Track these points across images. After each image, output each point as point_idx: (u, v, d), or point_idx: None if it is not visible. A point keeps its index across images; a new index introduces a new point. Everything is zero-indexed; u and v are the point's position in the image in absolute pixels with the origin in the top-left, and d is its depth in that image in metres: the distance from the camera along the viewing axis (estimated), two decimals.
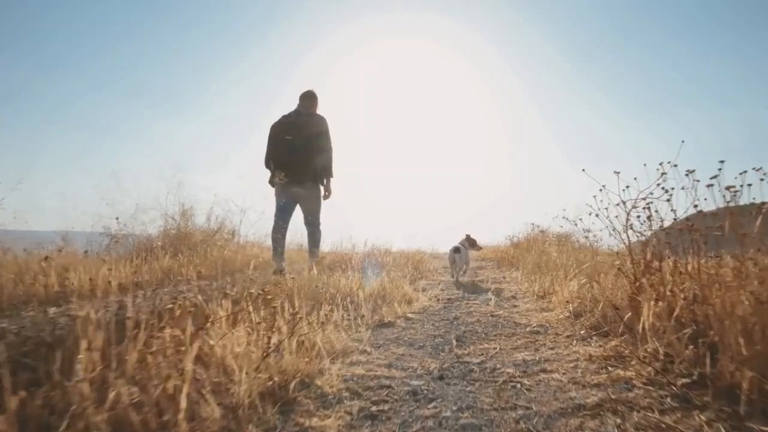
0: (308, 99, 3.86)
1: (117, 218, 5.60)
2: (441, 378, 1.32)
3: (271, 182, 3.86)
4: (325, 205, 3.99)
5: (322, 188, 3.89)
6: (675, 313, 1.35)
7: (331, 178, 3.83)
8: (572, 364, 1.42)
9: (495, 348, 1.68)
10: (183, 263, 4.51)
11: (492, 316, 2.35)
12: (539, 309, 2.46)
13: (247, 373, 1.13)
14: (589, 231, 5.85)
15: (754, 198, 1.36)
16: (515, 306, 2.64)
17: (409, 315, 2.39)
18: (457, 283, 3.98)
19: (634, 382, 1.21)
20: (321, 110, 3.94)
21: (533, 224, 7.01)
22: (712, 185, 1.45)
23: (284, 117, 3.86)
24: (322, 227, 4.05)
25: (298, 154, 3.67)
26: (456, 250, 4.14)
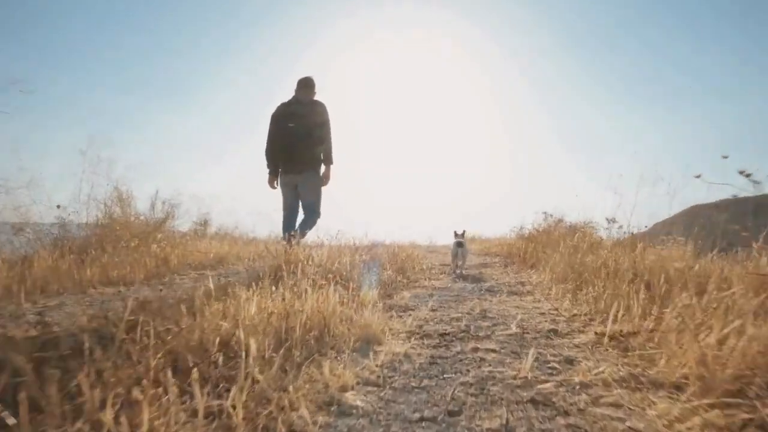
0: (306, 86, 3.60)
1: (58, 206, 4.39)
2: None
3: (271, 184, 3.60)
4: (324, 200, 3.64)
5: (321, 174, 3.57)
6: None
7: (331, 165, 3.56)
8: None
9: None
10: (85, 264, 3.19)
11: (536, 403, 0.99)
12: (636, 384, 1.10)
13: None
14: (613, 220, 4.55)
15: None
16: (572, 364, 1.28)
17: (349, 400, 1.04)
18: (457, 295, 2.62)
19: None
20: (319, 98, 3.64)
21: (545, 213, 5.67)
22: None
23: (283, 105, 3.58)
24: (320, 219, 3.61)
25: (298, 143, 3.43)
26: (459, 244, 3.89)
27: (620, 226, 4.62)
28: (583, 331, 1.62)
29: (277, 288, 1.88)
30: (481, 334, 1.62)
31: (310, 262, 2.68)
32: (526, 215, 9.85)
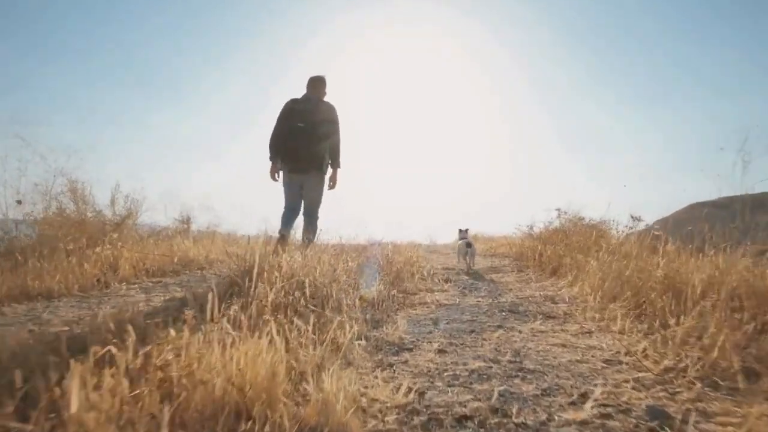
0: (318, 84, 3.39)
1: (19, 201, 3.75)
2: None
3: (272, 175, 3.31)
4: (326, 199, 3.42)
5: (326, 178, 3.35)
6: None
7: (339, 169, 3.34)
8: None
9: None
10: None
11: None
12: None
13: None
14: (639, 219, 4.01)
15: None
16: None
17: None
18: (471, 320, 1.89)
19: None
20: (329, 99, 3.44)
21: (558, 210, 4.95)
22: None
23: (293, 102, 3.33)
24: (320, 222, 3.38)
25: (305, 141, 3.21)
26: (468, 244, 3.92)
27: (647, 225, 4.03)
28: (712, 417, 0.89)
29: (216, 317, 1.17)
30: (528, 419, 0.89)
31: (277, 273, 1.96)
32: (536, 212, 9.08)
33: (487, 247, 6.77)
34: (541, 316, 1.88)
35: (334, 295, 1.90)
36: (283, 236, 3.13)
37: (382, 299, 2.09)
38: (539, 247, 4.14)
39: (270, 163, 3.28)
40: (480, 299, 2.37)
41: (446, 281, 3.19)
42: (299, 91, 3.42)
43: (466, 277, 3.49)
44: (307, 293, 1.87)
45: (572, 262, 2.87)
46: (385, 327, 1.66)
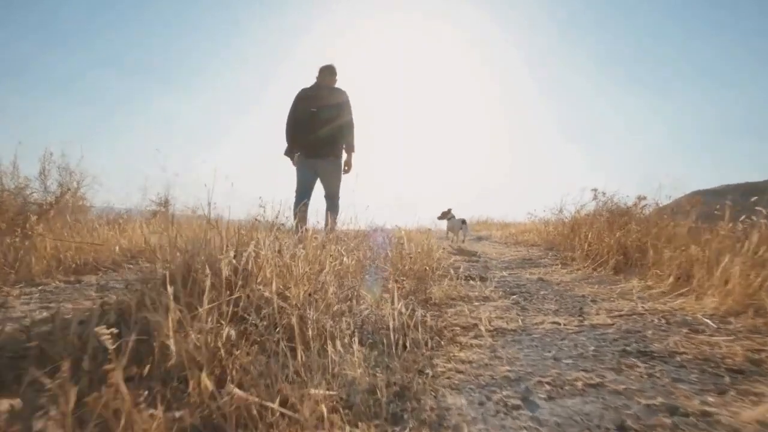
0: (328, 72, 3.28)
1: None
2: None
3: (288, 154, 3.21)
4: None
5: (342, 162, 3.24)
6: None
7: (353, 153, 3.20)
8: None
9: None
10: None
11: None
12: None
13: None
14: None
15: None
16: None
17: None
18: (599, 400, 0.94)
19: None
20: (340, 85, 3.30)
21: (595, 190, 4.01)
22: None
23: (305, 90, 3.26)
24: (341, 201, 3.21)
25: (320, 127, 3.12)
26: (463, 221, 4.36)
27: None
28: None
29: None
30: None
31: (213, 279, 0.99)
32: (550, 198, 8.10)
33: (506, 234, 5.81)
34: (719, 371, 0.92)
35: (311, 324, 0.95)
36: (299, 219, 2.75)
37: (402, 326, 1.13)
38: (588, 235, 3.18)
39: (287, 154, 3.18)
40: (557, 319, 1.42)
41: (481, 279, 2.24)
42: (305, 77, 3.09)
43: (504, 273, 2.53)
44: (298, 301, 0.93)
45: (673, 258, 1.90)
46: (419, 423, 0.69)
